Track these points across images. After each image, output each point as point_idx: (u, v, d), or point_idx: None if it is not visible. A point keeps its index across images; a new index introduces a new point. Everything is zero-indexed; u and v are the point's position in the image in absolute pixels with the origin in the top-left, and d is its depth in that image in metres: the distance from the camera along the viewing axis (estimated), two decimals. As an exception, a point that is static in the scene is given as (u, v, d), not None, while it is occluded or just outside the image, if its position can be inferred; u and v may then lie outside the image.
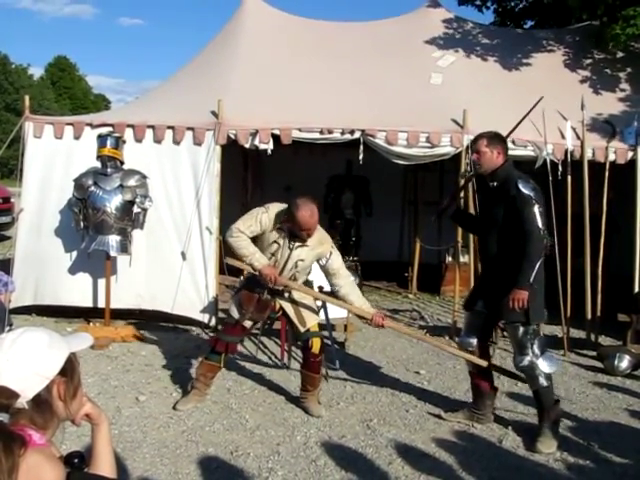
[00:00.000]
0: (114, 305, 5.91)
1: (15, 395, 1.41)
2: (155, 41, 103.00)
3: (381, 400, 4.52)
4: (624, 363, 5.17)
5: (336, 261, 4.14)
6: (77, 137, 6.29)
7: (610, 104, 7.26)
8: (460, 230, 6.08)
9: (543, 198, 3.78)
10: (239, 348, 5.42)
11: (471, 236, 5.79)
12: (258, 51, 7.59)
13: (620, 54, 8.01)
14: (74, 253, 6.17)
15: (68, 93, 49.96)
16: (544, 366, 3.84)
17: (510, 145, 6.46)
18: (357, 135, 6.39)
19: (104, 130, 5.92)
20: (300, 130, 6.33)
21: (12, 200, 11.57)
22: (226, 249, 4.39)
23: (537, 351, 3.82)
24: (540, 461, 3.63)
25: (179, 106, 6.63)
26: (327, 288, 5.55)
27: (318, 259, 4.13)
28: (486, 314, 4.00)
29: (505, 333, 6.23)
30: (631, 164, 6.44)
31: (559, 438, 3.84)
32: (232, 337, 4.25)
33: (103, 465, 1.61)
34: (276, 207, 4.05)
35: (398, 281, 8.56)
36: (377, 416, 4.21)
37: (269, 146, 6.26)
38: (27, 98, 6.49)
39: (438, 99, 6.93)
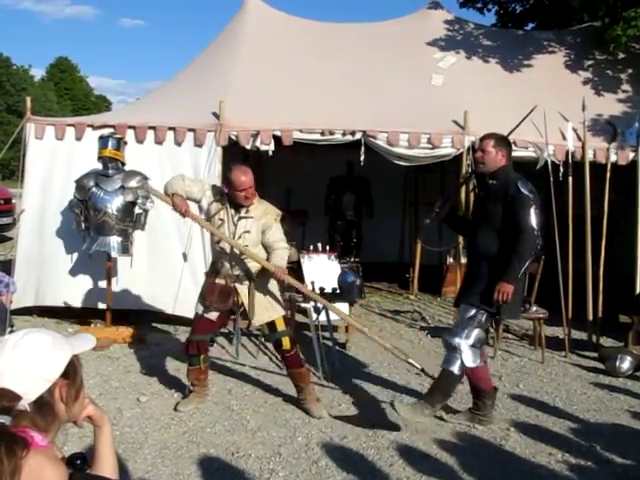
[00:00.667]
0: (115, 306, 5.91)
1: (17, 397, 1.41)
2: (156, 42, 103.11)
3: (382, 401, 4.51)
4: (625, 364, 5.17)
5: (274, 235, 4.11)
6: (78, 138, 6.29)
7: (611, 105, 7.26)
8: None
9: (540, 201, 3.82)
10: (240, 349, 5.46)
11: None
12: (259, 52, 7.60)
13: (621, 55, 8.01)
14: (75, 254, 6.17)
15: (69, 94, 50.01)
16: (467, 356, 3.89)
17: (511, 146, 6.51)
18: (358, 136, 6.40)
19: (105, 131, 5.92)
20: (301, 131, 6.34)
21: (13, 201, 11.59)
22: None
23: (471, 340, 3.88)
24: (541, 462, 3.63)
25: (180, 107, 6.63)
26: (327, 289, 5.60)
27: (264, 230, 4.10)
28: None
29: (507, 333, 6.26)
30: (632, 165, 6.44)
31: (418, 416, 3.93)
32: (200, 335, 4.23)
33: (105, 466, 1.62)
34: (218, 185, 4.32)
35: (399, 282, 8.56)
36: (378, 417, 4.21)
37: (270, 147, 6.26)
38: (28, 99, 6.49)
39: (439, 100, 6.94)
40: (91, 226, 5.74)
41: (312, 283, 5.47)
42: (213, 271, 4.25)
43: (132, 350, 5.50)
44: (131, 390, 4.60)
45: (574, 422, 4.22)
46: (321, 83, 7.20)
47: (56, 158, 6.29)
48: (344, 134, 6.40)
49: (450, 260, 7.79)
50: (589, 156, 6.26)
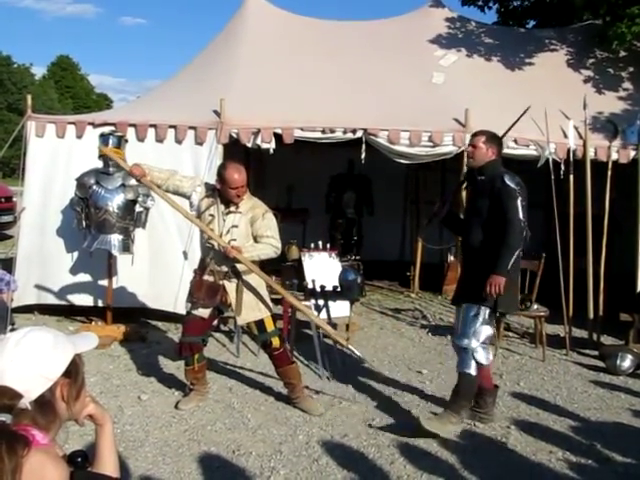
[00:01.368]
0: (116, 304, 5.92)
1: (18, 396, 1.41)
2: (157, 40, 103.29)
3: (383, 399, 4.52)
4: (626, 362, 5.17)
5: (261, 227, 4.07)
6: (79, 136, 6.30)
7: (612, 103, 7.26)
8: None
9: (526, 194, 3.82)
10: (241, 348, 5.46)
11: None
12: (260, 50, 7.60)
13: (623, 53, 8.01)
14: (76, 252, 6.18)
15: (70, 92, 50.01)
16: (481, 355, 3.86)
17: (512, 144, 6.52)
18: (359, 134, 6.40)
19: (106, 129, 5.92)
20: (302, 129, 6.34)
21: (14, 199, 11.60)
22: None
23: (480, 337, 3.85)
24: (542, 460, 3.63)
25: (181, 105, 6.63)
26: (328, 287, 5.60)
27: (252, 222, 4.08)
28: None
29: (507, 331, 6.26)
30: (633, 163, 6.44)
31: (448, 430, 3.82)
32: (192, 337, 4.20)
33: (106, 464, 1.62)
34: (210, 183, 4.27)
35: (400, 280, 8.55)
36: (379, 415, 4.21)
37: (271, 145, 6.26)
38: (29, 97, 6.49)
39: (440, 98, 6.93)
40: (92, 224, 5.74)
41: (313, 281, 5.47)
42: (201, 267, 4.24)
43: (133, 348, 5.50)
44: (132, 388, 4.60)
45: (575, 420, 4.22)
46: (322, 81, 7.20)
47: (57, 156, 6.29)
48: (345, 132, 6.40)
49: (451, 258, 7.79)
50: (590, 154, 6.25)
